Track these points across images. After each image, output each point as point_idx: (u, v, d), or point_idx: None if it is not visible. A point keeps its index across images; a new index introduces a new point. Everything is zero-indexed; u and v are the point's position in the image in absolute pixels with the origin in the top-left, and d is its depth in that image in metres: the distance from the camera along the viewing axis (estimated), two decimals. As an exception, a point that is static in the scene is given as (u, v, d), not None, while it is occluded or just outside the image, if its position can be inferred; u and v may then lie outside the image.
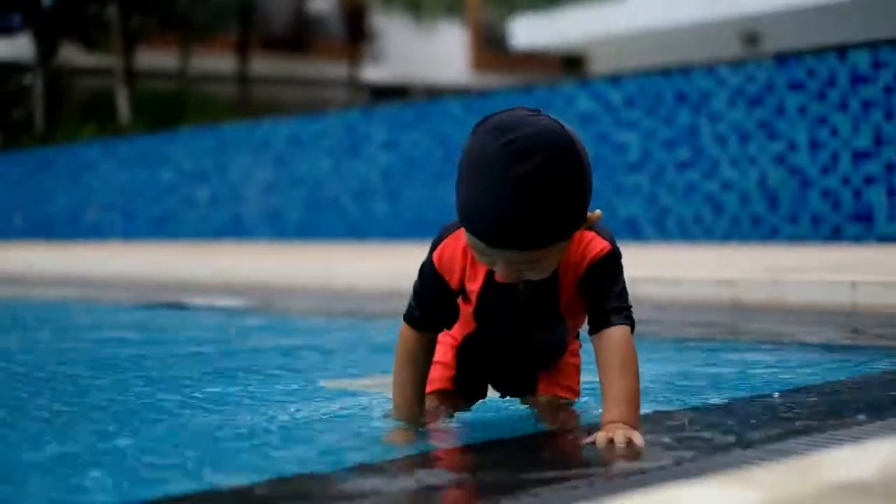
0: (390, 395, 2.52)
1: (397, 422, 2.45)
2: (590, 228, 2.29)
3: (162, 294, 7.44)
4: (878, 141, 8.18)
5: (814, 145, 8.51)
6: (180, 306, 6.77)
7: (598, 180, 10.36)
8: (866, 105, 8.25)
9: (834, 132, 8.40)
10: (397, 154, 11.86)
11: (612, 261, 2.29)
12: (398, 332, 2.46)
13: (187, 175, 14.55)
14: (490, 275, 2.29)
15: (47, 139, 20.58)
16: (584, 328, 2.37)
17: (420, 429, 2.40)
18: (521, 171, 2.02)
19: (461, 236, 2.28)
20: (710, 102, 9.16)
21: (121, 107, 23.95)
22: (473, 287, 2.34)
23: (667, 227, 9.44)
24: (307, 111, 14.50)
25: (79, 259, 10.46)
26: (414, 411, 2.44)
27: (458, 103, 11.35)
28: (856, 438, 2.10)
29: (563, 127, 2.10)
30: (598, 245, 2.28)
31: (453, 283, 2.35)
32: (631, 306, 2.30)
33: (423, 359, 2.45)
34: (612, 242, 2.30)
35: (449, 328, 2.51)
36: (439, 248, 2.33)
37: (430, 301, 2.38)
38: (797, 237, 8.57)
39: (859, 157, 8.26)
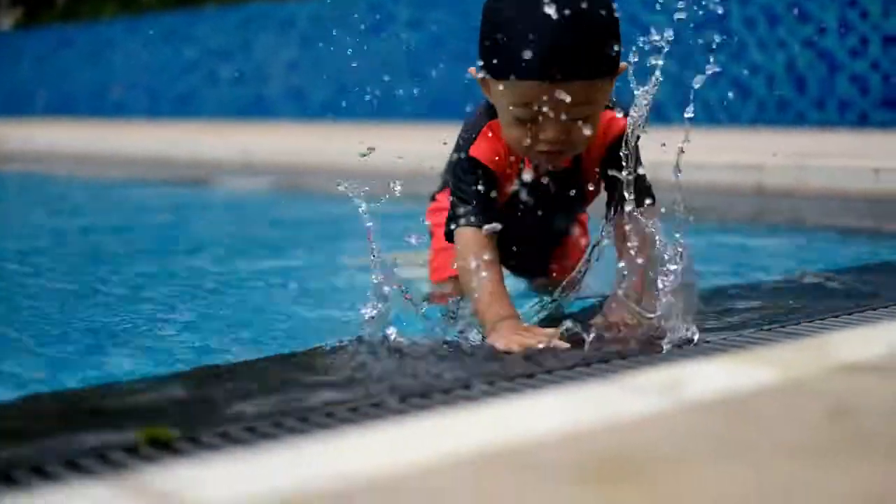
0: (408, 270, 2.44)
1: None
2: (610, 107, 2.27)
3: (185, 172, 7.46)
4: (910, 25, 8.03)
5: (843, 28, 8.36)
6: (203, 184, 6.80)
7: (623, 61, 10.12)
8: (899, -12, 8.08)
9: (864, 15, 8.24)
10: (422, 33, 11.72)
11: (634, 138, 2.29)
12: (456, 249, 2.21)
13: (212, 53, 14.45)
14: (520, 175, 2.27)
15: (68, 15, 20.42)
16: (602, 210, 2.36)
17: (442, 312, 2.33)
18: None
19: (488, 138, 2.21)
20: (739, -17, 8.98)
21: (143, -17, 23.69)
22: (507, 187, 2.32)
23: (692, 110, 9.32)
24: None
25: (101, 137, 10.47)
26: (509, 308, 2.15)
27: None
28: (868, 320, 2.10)
29: None
30: (620, 122, 2.28)
31: (500, 169, 2.24)
32: (650, 185, 2.30)
33: (495, 256, 2.19)
34: None
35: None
36: (472, 146, 2.22)
37: (483, 193, 2.21)
38: (824, 123, 8.47)
39: (889, 41, 8.12)
